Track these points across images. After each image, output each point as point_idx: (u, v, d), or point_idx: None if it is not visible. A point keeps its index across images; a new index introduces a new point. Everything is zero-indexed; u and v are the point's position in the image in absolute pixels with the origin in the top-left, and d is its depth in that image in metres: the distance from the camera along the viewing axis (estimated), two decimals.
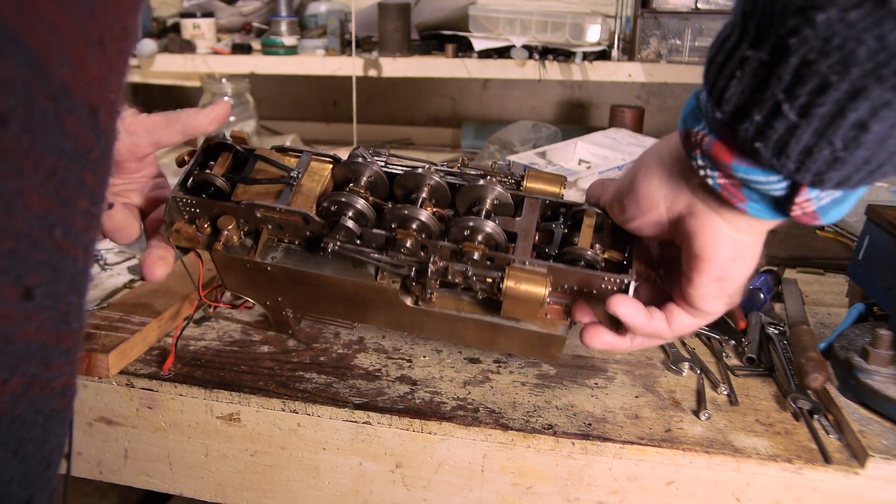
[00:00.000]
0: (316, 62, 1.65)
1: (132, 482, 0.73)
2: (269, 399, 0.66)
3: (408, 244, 0.61)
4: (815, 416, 0.64)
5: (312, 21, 1.81)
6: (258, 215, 0.64)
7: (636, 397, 0.67)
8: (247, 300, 0.82)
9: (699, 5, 1.47)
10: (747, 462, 0.59)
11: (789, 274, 0.97)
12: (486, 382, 0.69)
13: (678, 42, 1.50)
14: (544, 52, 1.55)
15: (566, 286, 0.61)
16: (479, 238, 0.61)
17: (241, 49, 1.69)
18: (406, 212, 0.61)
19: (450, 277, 0.61)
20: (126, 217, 0.65)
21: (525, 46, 1.54)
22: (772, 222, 0.48)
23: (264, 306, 0.73)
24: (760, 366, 0.73)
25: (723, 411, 0.65)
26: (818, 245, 1.06)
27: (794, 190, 0.43)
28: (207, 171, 0.66)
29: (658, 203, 0.53)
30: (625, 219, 0.57)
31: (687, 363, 0.72)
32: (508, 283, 0.58)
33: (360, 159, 0.65)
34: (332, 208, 0.63)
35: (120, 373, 0.69)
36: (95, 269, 0.97)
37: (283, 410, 0.66)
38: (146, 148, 0.64)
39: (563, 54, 1.55)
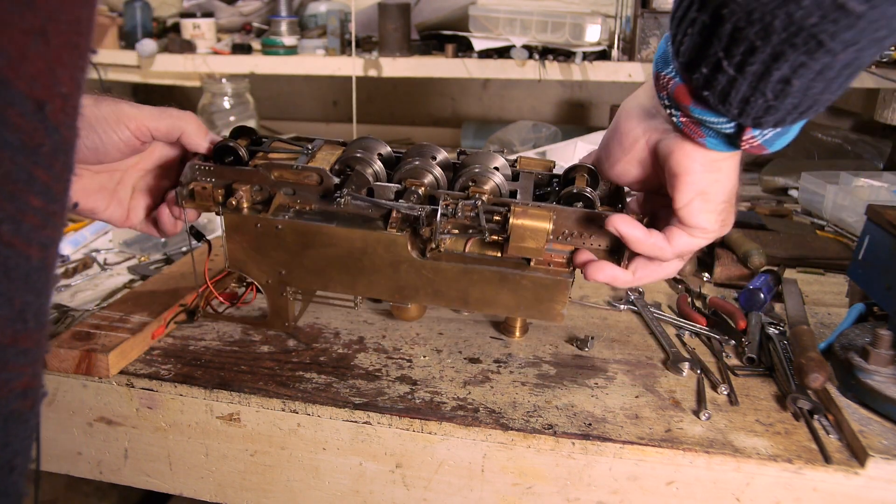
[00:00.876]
0: (316, 62, 1.65)
1: (132, 482, 0.73)
2: (269, 399, 0.66)
3: (419, 192, 0.65)
4: (815, 416, 0.64)
5: (312, 21, 1.81)
6: (273, 177, 0.67)
7: (636, 397, 0.68)
8: (244, 297, 0.82)
9: None
10: (747, 462, 0.59)
11: (789, 274, 0.97)
12: (486, 382, 0.69)
13: None
14: (544, 52, 1.55)
15: (567, 231, 0.64)
16: (486, 187, 0.66)
17: (241, 49, 1.69)
18: (417, 162, 0.66)
19: (459, 213, 0.64)
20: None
21: (525, 46, 1.54)
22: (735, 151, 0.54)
23: (265, 287, 0.73)
24: (760, 366, 0.73)
25: (723, 411, 0.65)
26: (818, 245, 1.06)
27: (740, 129, 0.50)
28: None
29: (639, 138, 0.58)
30: (611, 163, 0.62)
31: (687, 363, 0.72)
32: (514, 218, 0.62)
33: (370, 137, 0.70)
34: (347, 168, 0.68)
35: (120, 373, 0.69)
36: (95, 269, 0.97)
37: (283, 410, 0.66)
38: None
39: (563, 54, 1.55)
